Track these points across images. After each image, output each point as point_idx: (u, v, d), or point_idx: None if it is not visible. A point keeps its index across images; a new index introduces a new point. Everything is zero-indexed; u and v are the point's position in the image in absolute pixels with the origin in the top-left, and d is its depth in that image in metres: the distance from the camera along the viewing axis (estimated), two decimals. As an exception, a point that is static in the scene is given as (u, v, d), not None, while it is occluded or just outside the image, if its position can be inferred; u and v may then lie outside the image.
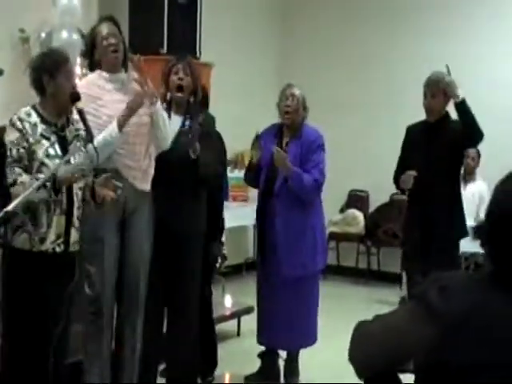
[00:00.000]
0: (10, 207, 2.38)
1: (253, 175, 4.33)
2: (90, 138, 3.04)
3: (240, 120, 6.83)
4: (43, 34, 5.13)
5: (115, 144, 3.41)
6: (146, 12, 5.92)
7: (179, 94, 3.82)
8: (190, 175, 3.72)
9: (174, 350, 3.88)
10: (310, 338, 4.35)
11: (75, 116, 3.21)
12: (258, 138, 4.20)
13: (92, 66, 3.60)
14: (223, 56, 6.67)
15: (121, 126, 3.41)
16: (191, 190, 3.79)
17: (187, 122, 3.83)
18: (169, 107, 3.84)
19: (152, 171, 3.62)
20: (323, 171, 4.20)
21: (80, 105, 3.09)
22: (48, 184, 2.90)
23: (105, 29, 3.53)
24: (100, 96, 3.49)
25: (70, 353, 3.37)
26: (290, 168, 4.06)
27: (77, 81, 3.42)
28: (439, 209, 4.29)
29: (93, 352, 3.52)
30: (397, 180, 4.48)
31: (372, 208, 7.83)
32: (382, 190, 7.19)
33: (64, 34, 5.19)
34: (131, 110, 3.44)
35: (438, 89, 4.31)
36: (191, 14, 6.08)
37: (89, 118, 3.22)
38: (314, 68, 7.99)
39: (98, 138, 3.29)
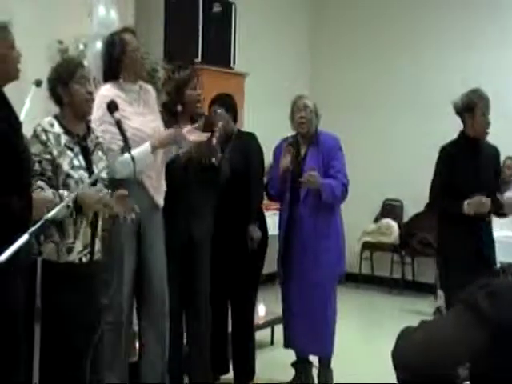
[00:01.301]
0: (49, 215, 2.41)
1: (279, 184, 4.33)
2: (127, 148, 3.04)
3: (272, 129, 6.83)
4: (81, 46, 5.22)
5: (144, 165, 3.43)
6: (180, 22, 5.99)
7: (200, 111, 3.87)
8: (202, 179, 3.79)
9: (196, 351, 3.95)
10: (329, 345, 4.33)
11: (93, 124, 3.25)
12: (290, 144, 4.23)
13: (111, 73, 3.56)
14: (256, 65, 6.70)
15: (153, 150, 3.44)
16: (202, 194, 3.85)
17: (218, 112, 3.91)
18: (175, 119, 3.83)
19: (164, 186, 3.66)
20: (346, 173, 4.26)
21: (117, 115, 3.12)
22: (71, 205, 2.91)
23: (133, 40, 3.55)
24: (123, 107, 3.45)
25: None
26: (320, 183, 4.09)
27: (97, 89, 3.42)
28: (486, 229, 4.23)
29: (111, 363, 3.50)
30: (435, 203, 4.24)
31: (406, 217, 7.78)
32: (416, 199, 7.12)
33: (98, 45, 5.27)
34: (164, 145, 3.49)
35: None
36: (225, 23, 6.14)
37: (114, 129, 3.26)
38: (345, 78, 7.97)
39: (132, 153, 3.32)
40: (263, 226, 4.36)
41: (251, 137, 4.36)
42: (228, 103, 4.30)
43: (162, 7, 6.13)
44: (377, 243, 7.61)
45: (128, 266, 3.50)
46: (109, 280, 3.39)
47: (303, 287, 4.24)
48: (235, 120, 4.34)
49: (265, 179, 4.47)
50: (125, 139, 3.07)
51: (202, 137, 3.66)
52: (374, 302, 6.90)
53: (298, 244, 4.24)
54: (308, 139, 4.28)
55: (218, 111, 4.11)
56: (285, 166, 4.21)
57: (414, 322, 1.70)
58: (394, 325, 1.89)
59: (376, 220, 7.86)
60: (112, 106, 3.13)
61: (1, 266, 2.11)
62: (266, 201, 6.54)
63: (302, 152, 4.30)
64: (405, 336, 1.62)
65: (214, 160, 3.74)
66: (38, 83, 3.84)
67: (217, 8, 5.99)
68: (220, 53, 6.06)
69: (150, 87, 3.74)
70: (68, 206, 2.86)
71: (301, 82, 7.93)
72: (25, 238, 2.24)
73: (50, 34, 5.16)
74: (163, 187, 3.64)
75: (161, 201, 3.61)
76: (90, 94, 3.12)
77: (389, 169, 7.75)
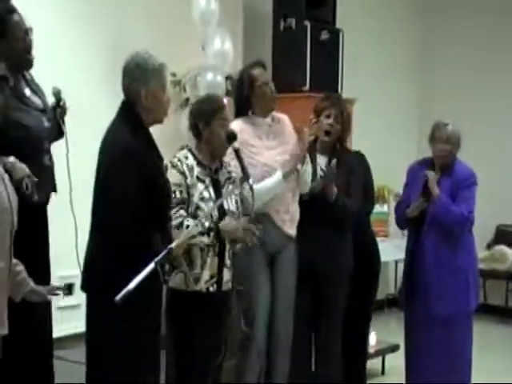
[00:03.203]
0: (173, 244, 2.48)
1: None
2: (246, 177, 3.10)
3: (381, 154, 6.78)
4: (199, 78, 5.36)
5: (276, 193, 3.47)
6: (288, 50, 6.04)
7: (326, 138, 3.87)
8: (331, 215, 3.78)
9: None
10: (460, 380, 4.19)
11: (226, 159, 3.31)
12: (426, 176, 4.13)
13: (242, 109, 3.65)
14: (364, 91, 6.67)
15: (285, 178, 3.49)
16: (333, 230, 3.84)
17: (332, 164, 3.82)
18: (312, 146, 3.86)
19: (298, 216, 3.68)
20: (471, 208, 4.10)
21: (236, 144, 3.17)
22: (211, 232, 3.00)
23: (263, 74, 3.62)
24: (253, 143, 3.54)
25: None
26: (437, 192, 4.00)
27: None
28: None
29: None
30: None
31: (522, 244, 7.47)
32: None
33: (209, 76, 5.41)
34: (293, 170, 3.54)
35: None
36: (333, 50, 6.15)
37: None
38: (460, 101, 7.72)
39: (261, 185, 3.37)
40: (375, 252, 4.30)
41: (361, 156, 4.30)
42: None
43: (270, 36, 6.22)
44: (490, 271, 7.33)
45: (261, 294, 3.54)
46: (246, 309, 3.45)
47: (424, 321, 4.13)
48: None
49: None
50: (243, 169, 3.11)
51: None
52: (487, 332, 6.63)
53: (421, 276, 4.15)
54: (444, 168, 4.18)
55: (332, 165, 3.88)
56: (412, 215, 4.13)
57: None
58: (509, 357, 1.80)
59: (489, 246, 7.60)
60: (231, 136, 3.19)
61: (130, 294, 2.19)
62: (373, 227, 6.49)
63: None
64: None
65: (328, 196, 3.76)
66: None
67: (325, 35, 6.02)
68: (327, 80, 6.07)
69: (284, 116, 3.78)
70: (209, 235, 2.95)
71: (412, 104, 7.84)
72: (151, 266, 2.32)
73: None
74: (295, 218, 3.65)
75: (291, 231, 3.63)
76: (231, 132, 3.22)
77: (503, 192, 7.49)
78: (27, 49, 3.28)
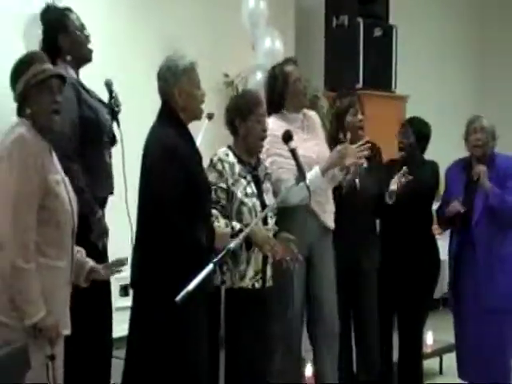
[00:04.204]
0: (231, 245, 2.49)
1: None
2: (302, 176, 3.08)
3: (434, 152, 6.68)
4: (249, 78, 5.39)
5: (318, 189, 3.46)
6: (341, 48, 6.01)
7: (361, 132, 3.84)
8: (372, 214, 3.83)
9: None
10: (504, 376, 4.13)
11: (262, 155, 3.33)
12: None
13: (275, 106, 3.62)
14: (418, 87, 6.58)
15: (323, 173, 3.48)
16: (371, 227, 3.92)
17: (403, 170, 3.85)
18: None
19: (333, 209, 3.67)
20: None
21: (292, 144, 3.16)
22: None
23: (295, 71, 3.61)
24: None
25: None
26: (489, 185, 3.97)
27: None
28: None
29: None
30: None
31: None
32: None
33: (258, 76, 5.43)
34: (333, 165, 3.51)
35: None
36: (386, 47, 6.09)
37: (281, 159, 3.35)
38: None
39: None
40: (434, 251, 4.26)
41: (431, 165, 4.29)
42: (418, 129, 4.25)
43: (323, 34, 6.20)
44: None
45: (297, 292, 3.53)
46: (280, 307, 3.45)
47: (476, 313, 4.09)
48: (423, 149, 4.28)
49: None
50: (299, 168, 3.11)
51: (361, 157, 3.62)
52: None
53: (470, 269, 4.10)
54: (483, 162, 4.12)
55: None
56: (454, 211, 4.09)
57: None
58: None
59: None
60: (287, 136, 3.19)
61: (189, 296, 2.22)
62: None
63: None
64: None
65: (387, 197, 3.79)
66: (210, 116, 4.01)
67: (378, 32, 5.97)
68: (381, 77, 6.02)
69: (313, 113, 3.80)
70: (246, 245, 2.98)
71: (466, 102, 7.69)
72: (210, 267, 2.35)
73: (217, 68, 5.38)
74: (332, 209, 3.66)
75: (331, 223, 3.63)
76: (265, 131, 3.23)
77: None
78: (87, 41, 3.41)
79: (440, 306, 7.28)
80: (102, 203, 3.35)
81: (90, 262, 2.72)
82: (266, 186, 3.29)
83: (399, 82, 6.16)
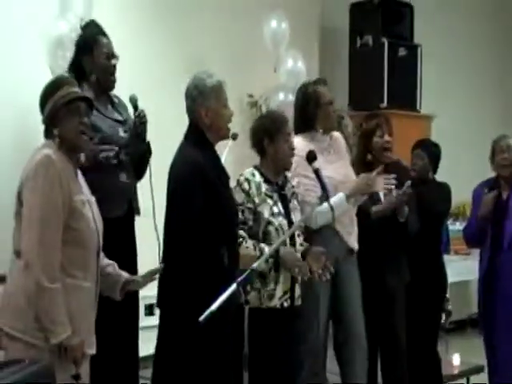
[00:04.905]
0: (255, 265, 2.50)
1: (476, 230, 4.18)
2: (326, 196, 3.07)
3: (461, 172, 6.64)
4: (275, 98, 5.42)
5: (341, 212, 3.45)
6: (365, 68, 6.03)
7: (388, 154, 3.82)
8: (396, 234, 3.77)
9: None
10: None
11: (289, 174, 3.33)
12: (491, 189, 4.08)
13: (305, 125, 3.61)
14: (442, 108, 6.55)
15: (348, 198, 3.47)
16: (396, 248, 3.83)
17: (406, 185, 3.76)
18: (367, 169, 3.79)
19: (356, 230, 3.65)
20: None
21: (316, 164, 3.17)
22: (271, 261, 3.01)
23: (327, 93, 3.60)
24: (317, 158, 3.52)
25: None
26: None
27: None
28: None
29: None
30: None
31: None
32: None
33: (281, 96, 5.45)
34: (359, 191, 3.52)
35: None
36: (410, 66, 6.10)
37: (306, 181, 3.35)
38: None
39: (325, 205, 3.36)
40: (442, 271, 4.21)
41: (443, 186, 4.26)
42: (431, 151, 4.25)
43: (347, 54, 6.22)
44: None
45: (323, 312, 3.51)
46: (307, 327, 3.44)
47: (507, 339, 4.03)
48: (435, 170, 4.26)
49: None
50: (323, 188, 3.10)
51: (389, 185, 3.62)
52: None
53: (500, 292, 4.06)
54: (510, 182, 4.08)
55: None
56: (484, 214, 4.05)
57: None
58: None
59: None
60: (311, 156, 3.20)
61: (212, 316, 2.22)
62: (454, 246, 6.34)
63: (504, 195, 4.11)
64: None
65: (399, 216, 3.73)
66: (234, 137, 4.02)
67: (402, 52, 5.98)
68: (405, 96, 6.03)
69: (338, 134, 3.79)
70: (267, 261, 2.96)
71: (493, 120, 7.64)
72: (233, 287, 2.35)
73: (241, 88, 5.42)
74: (355, 230, 3.64)
75: (355, 244, 3.61)
76: (293, 149, 3.23)
77: None
78: (110, 70, 3.40)
79: (467, 327, 7.20)
80: (113, 224, 3.19)
81: (124, 274, 2.73)
82: (294, 204, 3.29)
83: (424, 102, 6.15)
